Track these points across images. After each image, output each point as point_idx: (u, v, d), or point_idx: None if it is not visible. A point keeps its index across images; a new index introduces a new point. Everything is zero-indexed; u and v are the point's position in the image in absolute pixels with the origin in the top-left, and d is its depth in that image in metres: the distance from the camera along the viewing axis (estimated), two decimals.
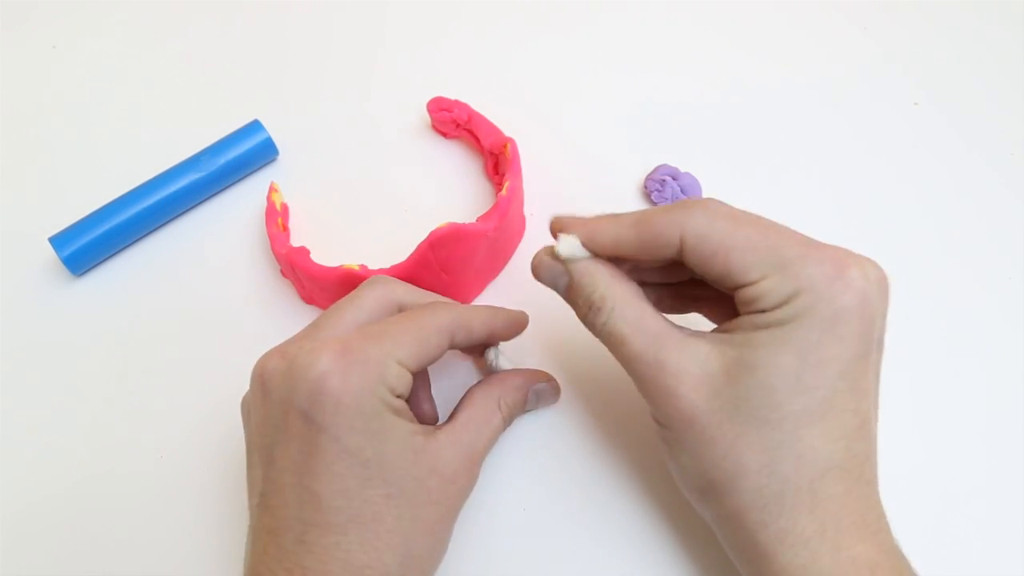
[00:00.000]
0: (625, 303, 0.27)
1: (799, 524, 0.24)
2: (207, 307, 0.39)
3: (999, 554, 0.32)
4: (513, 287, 0.39)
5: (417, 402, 0.31)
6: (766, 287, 0.24)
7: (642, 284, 0.28)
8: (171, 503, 0.34)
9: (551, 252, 0.28)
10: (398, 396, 0.26)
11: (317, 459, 0.24)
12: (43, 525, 0.33)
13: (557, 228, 0.28)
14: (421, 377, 0.31)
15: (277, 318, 0.38)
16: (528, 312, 0.33)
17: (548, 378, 0.33)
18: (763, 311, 0.24)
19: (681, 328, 0.27)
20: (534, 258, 0.29)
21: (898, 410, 0.35)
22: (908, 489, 0.33)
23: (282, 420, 0.25)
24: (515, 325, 0.32)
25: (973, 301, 0.38)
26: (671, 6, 0.50)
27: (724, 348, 0.25)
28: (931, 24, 0.49)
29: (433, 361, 0.28)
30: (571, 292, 0.28)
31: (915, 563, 0.25)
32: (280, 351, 0.27)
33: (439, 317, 0.28)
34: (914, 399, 0.35)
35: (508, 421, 0.31)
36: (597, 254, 0.27)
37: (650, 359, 0.26)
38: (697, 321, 0.31)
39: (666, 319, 0.27)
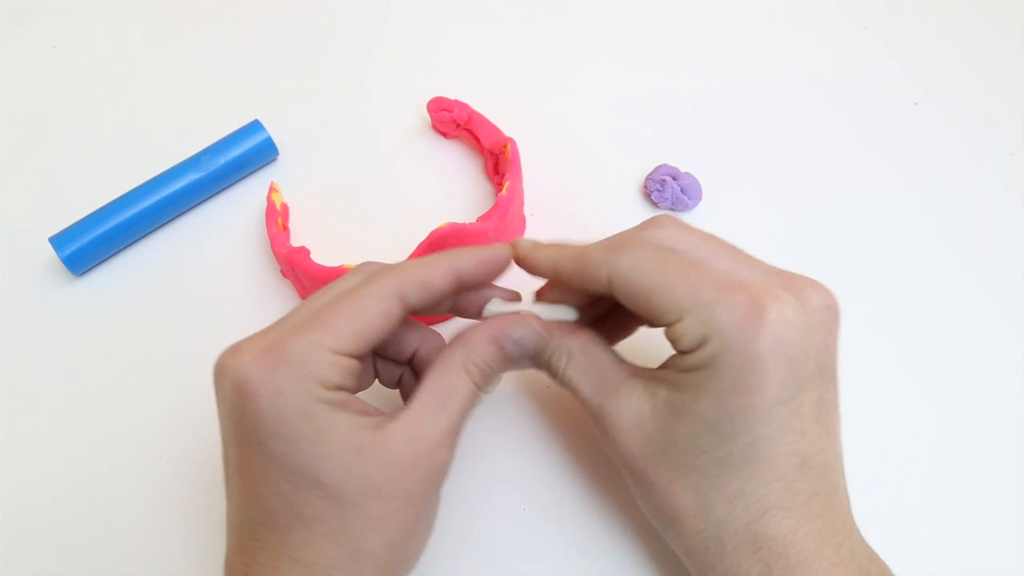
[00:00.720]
0: (579, 353, 0.28)
1: (743, 565, 0.24)
2: (207, 307, 0.39)
3: (1007, 555, 0.32)
4: (513, 287, 0.39)
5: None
6: (681, 329, 0.24)
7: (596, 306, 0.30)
8: (171, 503, 0.33)
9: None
10: (336, 388, 0.24)
11: (251, 463, 0.24)
12: (43, 524, 0.33)
13: (516, 255, 0.29)
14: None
15: (277, 318, 0.38)
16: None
17: (527, 320, 0.28)
18: (684, 352, 0.25)
19: (627, 367, 0.28)
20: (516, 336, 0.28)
21: (899, 409, 0.35)
22: (908, 489, 0.33)
23: (224, 422, 0.25)
24: (491, 262, 0.28)
25: (973, 301, 0.38)
26: (671, 6, 0.50)
27: (655, 388, 0.26)
28: (931, 24, 0.49)
29: (386, 333, 0.25)
30: (535, 360, 0.29)
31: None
32: (235, 348, 0.25)
33: (381, 283, 0.25)
34: (914, 399, 0.35)
35: (484, 383, 0.27)
36: (537, 274, 0.29)
37: (595, 406, 0.27)
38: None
39: (617, 360, 0.28)
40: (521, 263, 0.29)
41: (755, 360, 0.23)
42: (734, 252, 0.27)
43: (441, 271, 0.27)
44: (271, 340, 0.24)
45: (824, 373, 0.25)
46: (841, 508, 0.26)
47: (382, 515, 0.24)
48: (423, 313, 0.28)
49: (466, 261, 0.27)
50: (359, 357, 0.25)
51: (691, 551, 0.26)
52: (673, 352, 0.26)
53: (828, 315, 0.25)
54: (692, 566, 0.27)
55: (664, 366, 0.27)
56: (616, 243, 0.26)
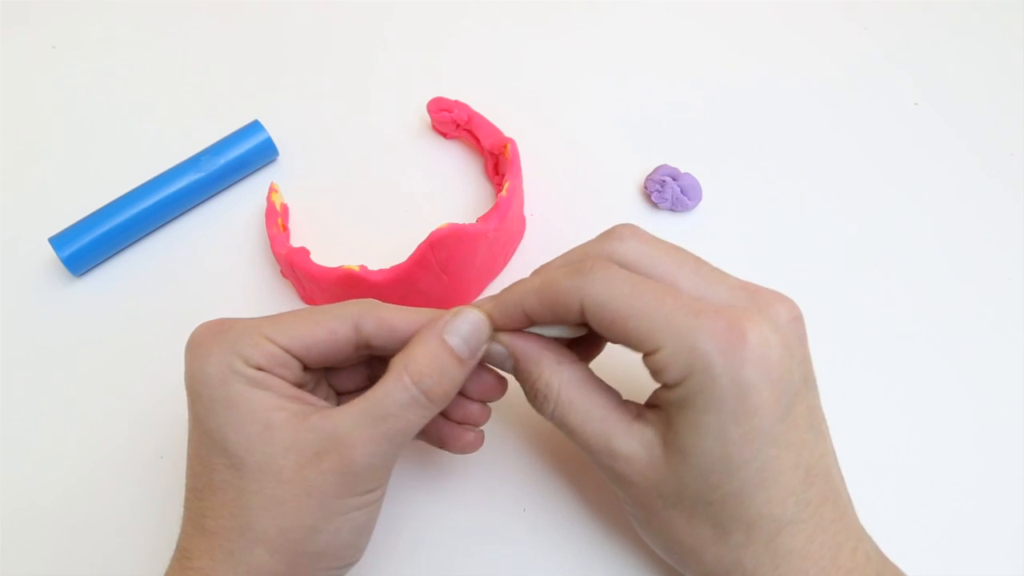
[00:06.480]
0: (571, 388, 0.26)
1: None
2: (207, 307, 0.39)
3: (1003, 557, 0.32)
4: None
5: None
6: (662, 359, 0.24)
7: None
8: (172, 503, 0.33)
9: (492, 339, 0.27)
10: (257, 367, 0.25)
11: (190, 428, 0.26)
12: (43, 525, 0.33)
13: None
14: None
15: None
16: None
17: (465, 310, 0.26)
18: (667, 385, 0.24)
19: (625, 404, 0.27)
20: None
21: (899, 412, 0.35)
22: (906, 491, 0.33)
23: None
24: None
25: (973, 301, 0.38)
26: (672, 7, 0.50)
27: (658, 429, 0.25)
28: (931, 24, 0.49)
29: (331, 347, 0.26)
30: (517, 374, 0.27)
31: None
32: (213, 320, 0.27)
33: (344, 305, 0.27)
34: (914, 400, 0.35)
35: (430, 389, 0.25)
36: (512, 328, 0.27)
37: (602, 447, 0.26)
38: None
39: (612, 396, 0.27)
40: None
41: (746, 385, 0.23)
42: (698, 265, 0.26)
43: (407, 320, 0.27)
44: (231, 319, 0.26)
45: (807, 382, 0.25)
46: (849, 511, 0.26)
47: (278, 498, 0.24)
48: (388, 352, 0.27)
49: (447, 324, 0.26)
50: (297, 356, 0.26)
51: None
52: (655, 383, 0.25)
53: (798, 327, 0.25)
54: None
55: (655, 404, 0.26)
56: (584, 267, 0.25)
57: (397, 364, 0.25)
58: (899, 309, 0.38)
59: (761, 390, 0.23)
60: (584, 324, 0.26)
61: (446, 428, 0.30)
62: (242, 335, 0.25)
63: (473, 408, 0.30)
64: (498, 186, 0.40)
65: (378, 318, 0.26)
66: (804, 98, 0.46)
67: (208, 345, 0.25)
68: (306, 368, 0.27)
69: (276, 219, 0.40)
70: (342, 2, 0.52)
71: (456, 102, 0.43)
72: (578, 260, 0.26)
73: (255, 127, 0.43)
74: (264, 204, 0.42)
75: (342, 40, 0.50)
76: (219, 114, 0.45)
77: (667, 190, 0.40)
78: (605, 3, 0.51)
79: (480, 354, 0.27)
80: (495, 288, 0.39)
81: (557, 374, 0.26)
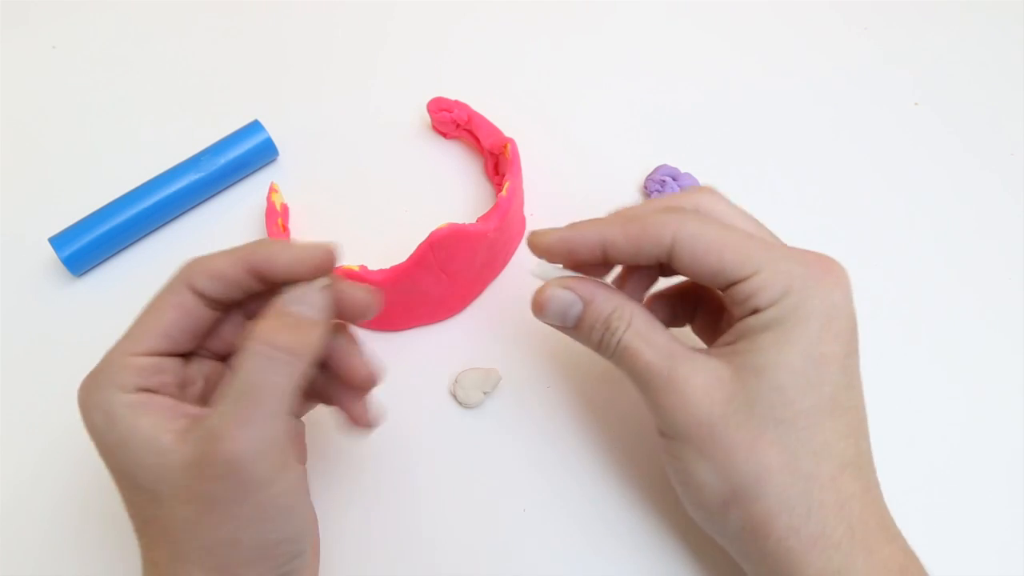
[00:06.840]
0: (638, 319, 0.27)
1: (828, 526, 0.24)
2: None
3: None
4: (513, 287, 0.39)
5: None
6: (759, 282, 0.25)
7: None
8: None
9: (557, 284, 0.28)
10: (138, 390, 0.24)
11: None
12: (44, 525, 0.33)
13: (535, 244, 0.28)
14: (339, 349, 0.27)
15: None
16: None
17: (311, 284, 0.25)
18: (758, 310, 0.25)
19: (687, 344, 0.27)
20: (539, 295, 0.28)
21: (898, 412, 0.35)
22: (902, 492, 0.33)
23: None
24: (298, 260, 0.26)
25: (972, 301, 0.38)
26: (672, 7, 0.50)
27: (731, 357, 0.26)
28: (931, 24, 0.49)
29: (189, 321, 0.25)
30: (587, 316, 0.28)
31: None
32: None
33: (173, 277, 0.26)
34: (913, 401, 0.35)
35: (283, 343, 0.23)
36: (580, 259, 0.28)
37: (663, 370, 0.26)
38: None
39: (675, 337, 0.27)
40: (552, 251, 0.28)
41: (837, 308, 0.25)
42: (764, 227, 0.28)
43: (230, 260, 0.26)
44: (101, 359, 0.25)
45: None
46: (880, 486, 0.26)
47: (191, 519, 0.23)
48: (227, 300, 0.26)
49: (262, 253, 0.25)
50: (165, 353, 0.25)
51: (772, 515, 0.24)
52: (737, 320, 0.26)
53: None
54: (764, 538, 0.25)
55: (729, 341, 0.26)
56: (671, 206, 0.27)
57: (243, 340, 0.24)
58: (899, 309, 0.38)
59: (843, 318, 0.25)
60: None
61: (339, 396, 0.28)
62: (108, 365, 0.25)
63: (355, 361, 0.28)
64: (498, 186, 0.40)
65: (205, 271, 0.25)
66: (804, 98, 0.46)
67: (87, 394, 0.25)
68: (187, 356, 0.26)
69: (276, 219, 0.40)
70: (343, 2, 0.52)
71: (456, 102, 0.43)
72: (664, 203, 0.28)
73: (255, 127, 0.43)
74: (264, 204, 0.42)
75: (342, 40, 0.50)
76: (219, 114, 0.45)
77: (667, 190, 0.40)
78: (605, 3, 0.51)
79: (330, 308, 0.25)
80: (495, 288, 0.39)
81: (629, 304, 0.27)
